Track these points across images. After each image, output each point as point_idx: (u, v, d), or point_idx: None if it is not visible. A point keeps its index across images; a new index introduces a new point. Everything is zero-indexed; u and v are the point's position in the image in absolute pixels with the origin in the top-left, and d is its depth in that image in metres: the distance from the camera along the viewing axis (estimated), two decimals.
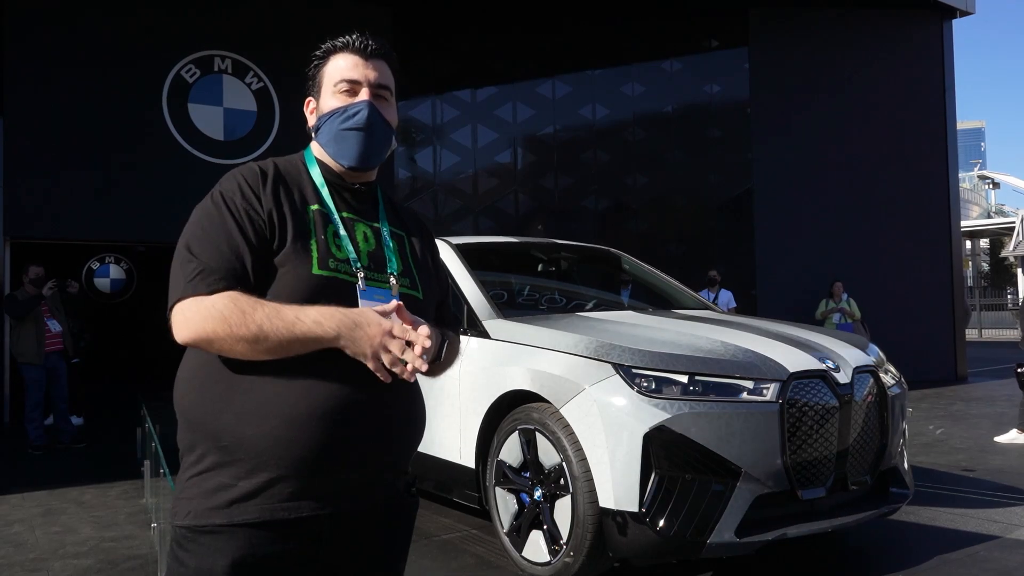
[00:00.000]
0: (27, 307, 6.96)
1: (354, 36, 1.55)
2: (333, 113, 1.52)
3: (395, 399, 1.45)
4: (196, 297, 1.34)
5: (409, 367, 1.35)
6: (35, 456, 6.83)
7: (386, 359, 1.36)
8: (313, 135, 1.58)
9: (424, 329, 1.37)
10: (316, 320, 1.33)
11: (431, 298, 1.60)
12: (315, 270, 1.41)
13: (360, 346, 1.35)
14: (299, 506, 1.37)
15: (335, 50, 1.56)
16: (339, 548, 1.43)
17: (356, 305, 1.41)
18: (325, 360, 1.36)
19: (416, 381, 1.52)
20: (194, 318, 1.33)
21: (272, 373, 1.36)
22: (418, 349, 1.34)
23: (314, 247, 1.42)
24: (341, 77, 1.53)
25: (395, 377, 1.38)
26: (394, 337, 1.35)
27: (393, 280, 1.50)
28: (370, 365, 1.36)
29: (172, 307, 1.37)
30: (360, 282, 1.45)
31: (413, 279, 1.56)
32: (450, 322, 1.71)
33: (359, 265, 1.46)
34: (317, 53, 1.58)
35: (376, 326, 1.35)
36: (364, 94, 1.53)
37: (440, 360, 1.54)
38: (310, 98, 1.59)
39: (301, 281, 1.39)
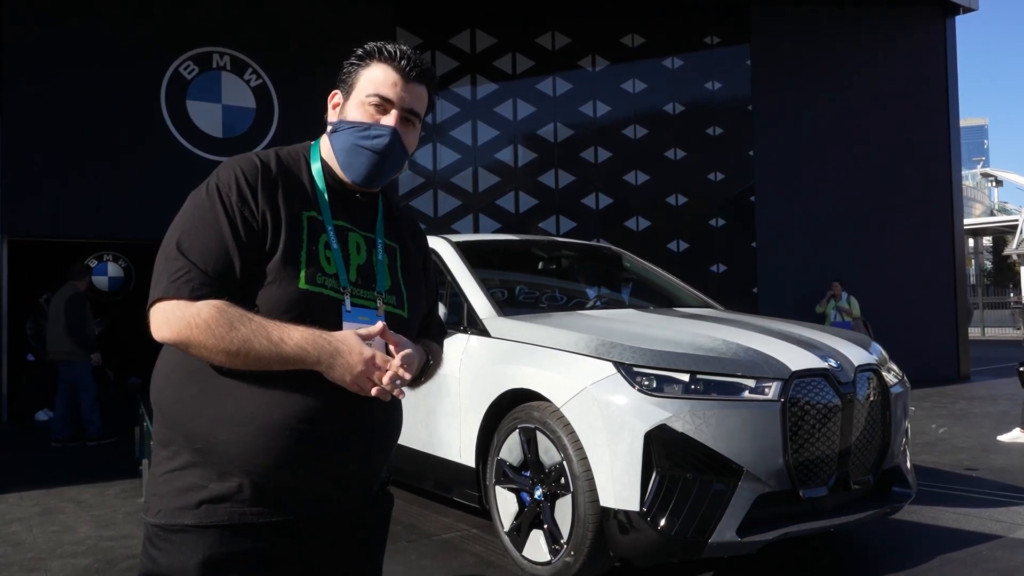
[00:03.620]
0: (94, 345, 7.30)
1: (402, 51, 1.49)
2: (355, 126, 1.47)
3: (372, 410, 1.43)
4: (180, 300, 1.32)
5: (386, 387, 1.35)
6: (37, 453, 6.84)
7: (367, 387, 1.34)
8: (328, 131, 1.53)
9: (398, 360, 1.35)
10: (299, 344, 1.31)
11: (416, 315, 1.59)
12: (302, 284, 1.39)
13: (338, 373, 1.34)
14: (269, 511, 1.36)
15: (380, 57, 1.49)
16: (313, 546, 1.42)
17: (340, 323, 1.40)
18: (303, 370, 1.34)
19: None
20: (176, 322, 1.31)
21: (249, 379, 1.34)
22: (387, 378, 1.34)
23: (303, 259, 1.40)
24: (375, 91, 1.47)
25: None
26: (376, 367, 1.34)
27: (380, 303, 1.48)
28: (351, 389, 1.35)
29: (153, 304, 1.35)
30: (346, 303, 1.43)
31: (400, 296, 1.54)
32: (436, 331, 1.70)
33: (347, 283, 1.44)
34: (359, 51, 1.51)
35: (357, 355, 1.33)
36: (392, 118, 1.47)
37: (421, 378, 1.53)
38: (336, 91, 1.53)
39: (287, 294, 1.37)
